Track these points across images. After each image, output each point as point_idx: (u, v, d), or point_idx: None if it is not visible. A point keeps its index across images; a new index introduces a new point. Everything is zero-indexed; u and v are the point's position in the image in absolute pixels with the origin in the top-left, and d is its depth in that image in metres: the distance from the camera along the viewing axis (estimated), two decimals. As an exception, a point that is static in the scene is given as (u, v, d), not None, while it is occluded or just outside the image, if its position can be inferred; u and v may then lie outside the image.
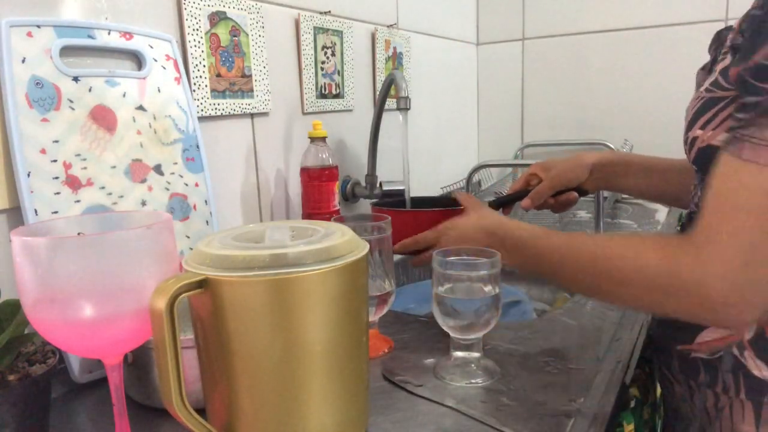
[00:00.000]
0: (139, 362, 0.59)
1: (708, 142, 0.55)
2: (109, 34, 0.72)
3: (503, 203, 0.88)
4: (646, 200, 1.08)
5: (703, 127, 0.56)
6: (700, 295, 0.49)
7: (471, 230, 0.73)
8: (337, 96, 1.16)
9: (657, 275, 0.52)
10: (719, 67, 0.56)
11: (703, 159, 0.56)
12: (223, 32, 0.89)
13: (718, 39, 0.64)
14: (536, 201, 0.86)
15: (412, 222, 0.80)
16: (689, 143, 0.59)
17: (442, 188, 1.50)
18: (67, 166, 0.66)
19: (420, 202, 0.96)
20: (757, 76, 0.48)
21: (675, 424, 0.72)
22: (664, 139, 1.32)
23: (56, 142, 0.65)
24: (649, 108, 1.59)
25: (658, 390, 0.87)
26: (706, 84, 0.57)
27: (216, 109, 0.88)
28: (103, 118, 0.70)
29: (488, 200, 0.87)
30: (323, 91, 1.12)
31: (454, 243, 0.72)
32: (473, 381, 0.63)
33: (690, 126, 0.58)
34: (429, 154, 1.58)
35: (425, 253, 0.77)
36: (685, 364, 0.64)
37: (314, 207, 1.01)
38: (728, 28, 0.60)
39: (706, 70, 0.66)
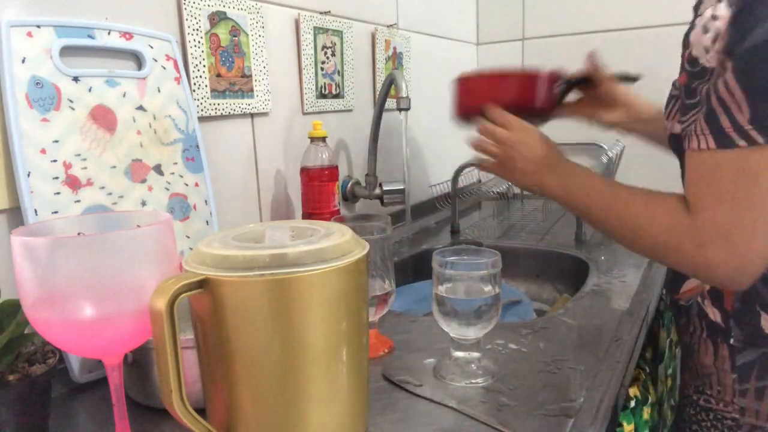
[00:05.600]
0: (139, 362, 0.59)
1: (670, 131, 0.69)
2: (109, 34, 0.72)
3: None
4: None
5: (667, 118, 0.70)
6: (701, 255, 0.59)
7: (538, 139, 0.76)
8: (337, 96, 1.16)
9: (664, 232, 0.61)
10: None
11: (673, 144, 0.70)
12: (223, 32, 0.89)
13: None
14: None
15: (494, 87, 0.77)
16: (666, 132, 0.72)
17: (430, 186, 1.50)
18: (67, 166, 0.66)
19: None
20: (691, 81, 0.60)
21: (682, 359, 0.83)
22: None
23: (56, 142, 0.65)
24: (649, 108, 1.59)
25: (659, 388, 0.87)
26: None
27: (216, 109, 0.88)
28: (103, 118, 0.70)
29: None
30: (323, 91, 1.12)
31: (517, 140, 0.76)
32: (473, 381, 0.63)
33: (666, 118, 0.72)
34: (429, 154, 1.58)
35: (491, 141, 0.77)
36: (675, 310, 0.80)
37: (314, 207, 1.01)
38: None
39: None
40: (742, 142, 0.54)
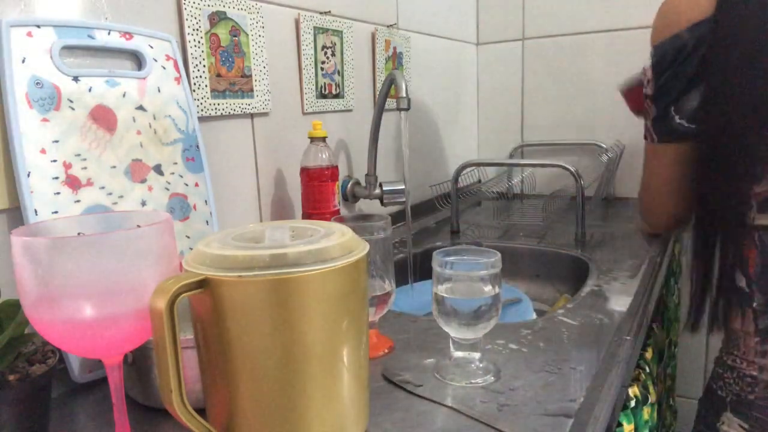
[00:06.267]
0: (139, 362, 0.59)
1: None
2: (109, 34, 0.72)
3: None
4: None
5: None
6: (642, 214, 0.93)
7: None
8: (337, 96, 1.16)
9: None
10: None
11: None
12: (223, 32, 0.89)
13: None
14: None
15: None
16: None
17: (431, 186, 1.50)
18: (67, 166, 0.66)
19: None
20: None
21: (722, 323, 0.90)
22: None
23: (56, 142, 0.65)
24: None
25: (659, 388, 0.87)
26: None
27: (216, 109, 0.88)
28: (103, 118, 0.70)
29: None
30: (323, 91, 1.12)
31: None
32: (473, 381, 0.63)
33: None
34: (429, 154, 1.58)
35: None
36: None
37: (314, 207, 1.01)
38: None
39: None
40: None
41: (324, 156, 0.99)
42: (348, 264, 0.46)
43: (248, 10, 0.92)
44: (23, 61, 0.63)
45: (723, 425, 0.81)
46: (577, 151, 1.71)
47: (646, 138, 0.79)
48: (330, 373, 0.46)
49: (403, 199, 1.19)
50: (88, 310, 0.43)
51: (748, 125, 0.69)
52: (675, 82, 0.73)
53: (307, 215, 1.02)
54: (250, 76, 0.94)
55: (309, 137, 1.00)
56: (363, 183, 1.20)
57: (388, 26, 1.32)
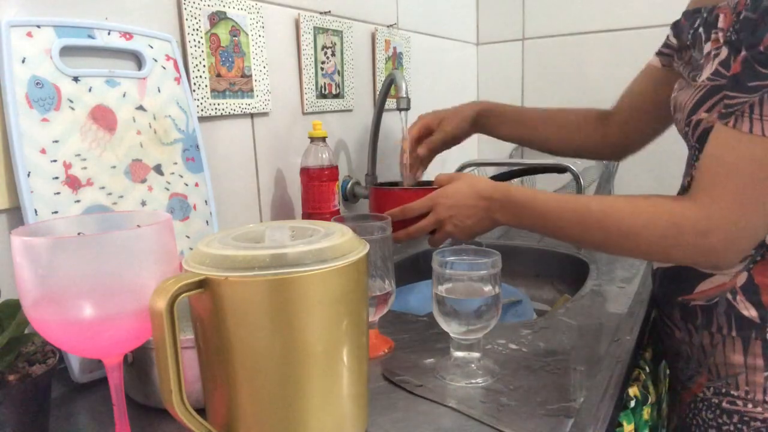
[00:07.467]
0: (139, 362, 0.59)
1: (713, 123, 0.63)
2: (109, 34, 0.72)
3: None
4: (519, 145, 1.24)
5: (708, 111, 0.64)
6: (704, 244, 0.60)
7: (465, 197, 0.76)
8: (337, 96, 1.16)
9: (665, 229, 0.62)
10: (716, 60, 0.64)
11: (703, 138, 0.64)
12: (223, 32, 0.89)
13: (677, 27, 0.79)
14: (432, 150, 1.00)
15: (399, 200, 0.81)
16: (693, 125, 0.67)
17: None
18: (67, 166, 0.66)
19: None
20: (760, 62, 0.57)
21: (676, 364, 0.81)
22: (665, 138, 1.31)
23: (56, 142, 0.65)
24: (649, 108, 1.59)
25: (659, 388, 0.87)
26: (706, 74, 0.65)
27: (216, 109, 0.88)
28: (103, 118, 0.70)
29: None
30: (323, 91, 1.12)
31: (450, 211, 0.76)
32: (473, 381, 0.63)
33: (694, 110, 0.66)
34: (429, 154, 1.58)
35: (417, 224, 0.79)
36: (685, 311, 0.75)
37: (314, 207, 1.01)
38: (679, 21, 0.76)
39: (663, 54, 0.83)
40: None
41: (324, 156, 0.99)
42: (348, 264, 0.46)
43: (248, 10, 0.92)
44: (23, 61, 0.63)
45: None
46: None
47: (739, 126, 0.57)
48: (330, 373, 0.46)
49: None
50: (88, 310, 0.43)
51: None
52: None
53: (307, 215, 1.01)
54: (250, 76, 0.94)
55: (309, 137, 1.00)
56: (363, 183, 1.20)
57: (388, 26, 1.32)
